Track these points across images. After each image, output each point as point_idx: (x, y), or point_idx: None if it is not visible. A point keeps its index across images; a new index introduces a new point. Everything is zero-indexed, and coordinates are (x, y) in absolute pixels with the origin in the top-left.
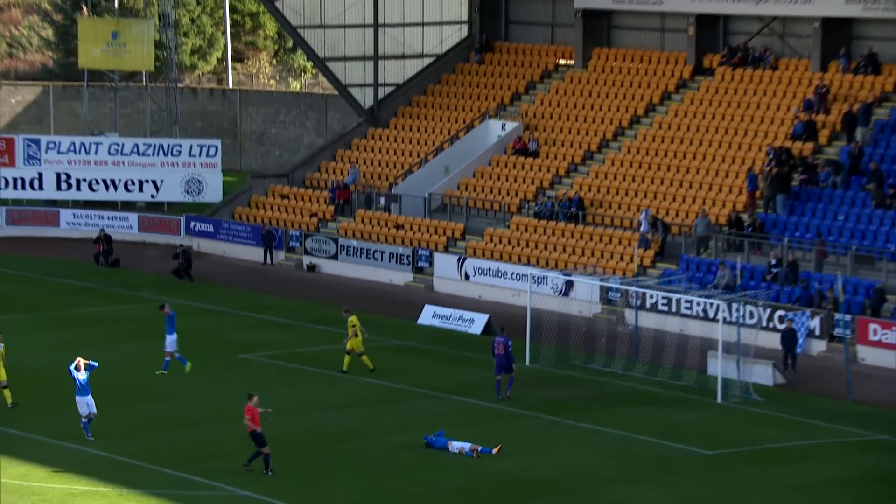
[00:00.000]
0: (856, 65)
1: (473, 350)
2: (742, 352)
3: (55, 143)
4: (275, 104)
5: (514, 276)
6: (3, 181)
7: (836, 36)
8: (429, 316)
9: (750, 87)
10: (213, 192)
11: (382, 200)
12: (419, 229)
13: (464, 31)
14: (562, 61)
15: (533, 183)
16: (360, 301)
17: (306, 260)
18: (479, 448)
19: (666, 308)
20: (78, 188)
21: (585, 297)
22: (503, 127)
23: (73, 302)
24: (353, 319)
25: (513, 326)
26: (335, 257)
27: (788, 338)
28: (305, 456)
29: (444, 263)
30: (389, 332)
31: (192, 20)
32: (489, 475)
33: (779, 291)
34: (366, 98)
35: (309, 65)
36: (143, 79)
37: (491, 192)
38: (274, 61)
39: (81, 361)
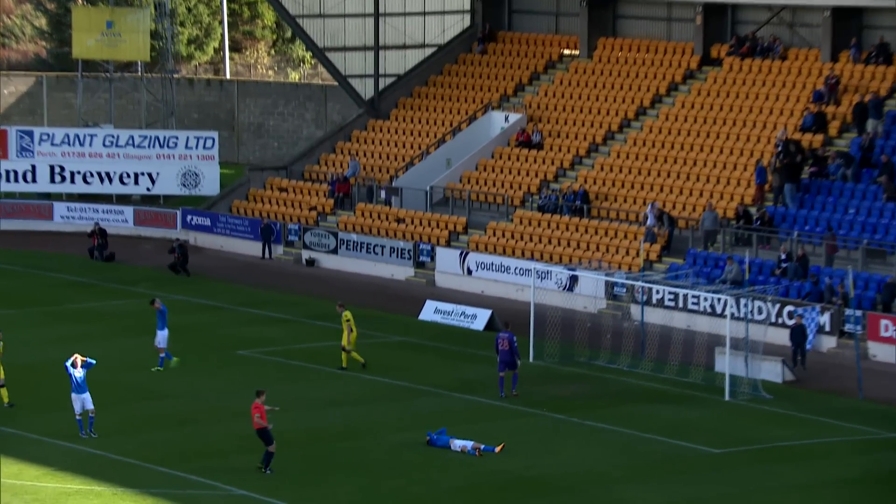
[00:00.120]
0: (867, 55)
1: (476, 346)
2: (750, 348)
3: (49, 135)
4: (273, 95)
5: (517, 271)
6: None
7: (847, 25)
8: (430, 311)
9: (759, 78)
10: (210, 185)
11: (383, 194)
12: (420, 223)
13: (466, 20)
14: (566, 51)
15: (537, 176)
16: (360, 296)
17: (305, 254)
18: (482, 446)
19: (672, 303)
20: (72, 181)
21: (590, 293)
22: (506, 118)
23: (67, 297)
24: (346, 314)
25: (516, 322)
26: (335, 252)
27: (798, 334)
28: (304, 454)
29: (446, 258)
30: (390, 328)
31: (189, 9)
32: (491, 474)
33: (788, 286)
34: (366, 89)
35: (308, 55)
36: (139, 69)
37: (494, 185)
38: (272, 51)
39: (79, 358)
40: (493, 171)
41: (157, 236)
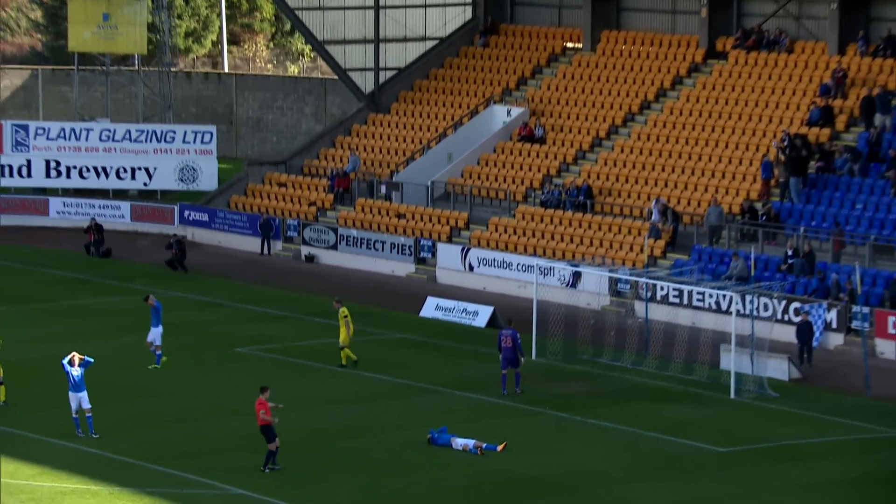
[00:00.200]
0: (875, 48)
1: (477, 344)
2: (756, 345)
3: (44, 129)
4: (272, 89)
5: (519, 267)
6: None
7: (854, 18)
8: (431, 308)
9: (764, 72)
10: (207, 179)
11: (383, 189)
12: (421, 218)
13: (468, 13)
14: (569, 44)
15: (539, 170)
16: (360, 293)
17: (304, 250)
18: (484, 445)
19: (677, 300)
20: (68, 176)
21: (594, 289)
22: (508, 113)
23: (63, 294)
24: (343, 310)
25: (518, 319)
26: (334, 247)
27: (804, 331)
28: (304, 453)
29: (448, 254)
30: (390, 325)
31: (186, 1)
32: (493, 473)
33: (794, 283)
34: (366, 83)
35: (307, 48)
36: (136, 62)
37: (496, 179)
38: (271, 44)
39: (77, 357)
40: (496, 165)
41: (155, 232)
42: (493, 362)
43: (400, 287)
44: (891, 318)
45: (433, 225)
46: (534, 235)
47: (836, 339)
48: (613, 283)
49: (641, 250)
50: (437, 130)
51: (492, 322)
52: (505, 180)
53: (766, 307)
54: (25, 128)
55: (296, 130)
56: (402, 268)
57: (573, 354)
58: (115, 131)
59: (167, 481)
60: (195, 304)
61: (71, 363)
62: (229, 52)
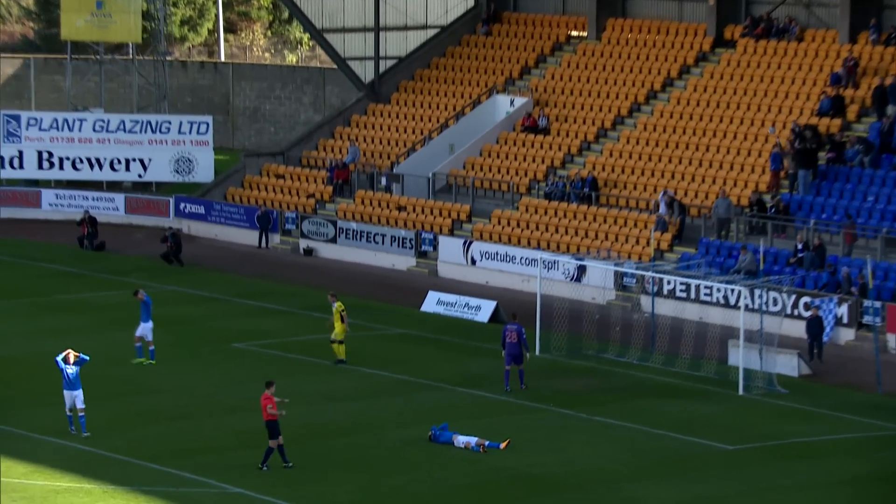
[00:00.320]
0: (887, 36)
1: (480, 339)
2: (765, 341)
3: (36, 120)
4: (269, 78)
5: (523, 261)
6: None
7: (866, 5)
8: (433, 303)
9: (774, 61)
10: (204, 171)
11: (384, 180)
12: (422, 211)
13: (470, 0)
14: (574, 33)
15: (543, 162)
16: (359, 287)
17: (303, 243)
18: (486, 442)
19: (684, 294)
20: (61, 167)
21: (599, 283)
22: (512, 103)
23: (55, 288)
24: (339, 305)
25: (522, 314)
26: (333, 241)
27: (814, 326)
28: (302, 451)
29: (449, 247)
30: (391, 319)
31: None
32: (496, 471)
33: (804, 277)
34: (366, 72)
35: (306, 37)
36: (130, 51)
37: (499, 171)
38: (269, 33)
39: (72, 354)
40: (498, 157)
41: (150, 225)
42: (496, 358)
43: (401, 281)
44: None
45: (434, 217)
46: (538, 228)
47: (846, 335)
48: (619, 277)
49: (648, 243)
50: (438, 121)
51: (495, 317)
52: (508, 172)
53: (775, 302)
54: (17, 118)
55: (294, 121)
56: (403, 261)
57: (578, 350)
58: (108, 122)
59: (162, 479)
60: (191, 299)
61: (66, 360)
62: (226, 40)
